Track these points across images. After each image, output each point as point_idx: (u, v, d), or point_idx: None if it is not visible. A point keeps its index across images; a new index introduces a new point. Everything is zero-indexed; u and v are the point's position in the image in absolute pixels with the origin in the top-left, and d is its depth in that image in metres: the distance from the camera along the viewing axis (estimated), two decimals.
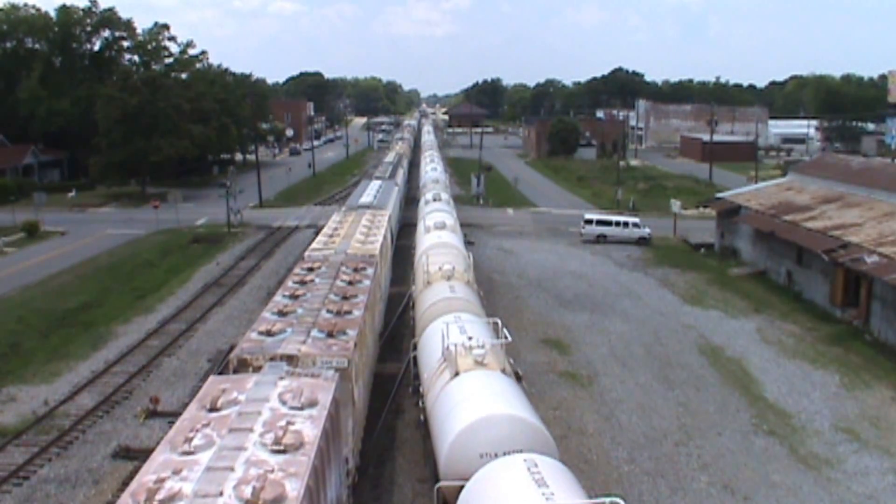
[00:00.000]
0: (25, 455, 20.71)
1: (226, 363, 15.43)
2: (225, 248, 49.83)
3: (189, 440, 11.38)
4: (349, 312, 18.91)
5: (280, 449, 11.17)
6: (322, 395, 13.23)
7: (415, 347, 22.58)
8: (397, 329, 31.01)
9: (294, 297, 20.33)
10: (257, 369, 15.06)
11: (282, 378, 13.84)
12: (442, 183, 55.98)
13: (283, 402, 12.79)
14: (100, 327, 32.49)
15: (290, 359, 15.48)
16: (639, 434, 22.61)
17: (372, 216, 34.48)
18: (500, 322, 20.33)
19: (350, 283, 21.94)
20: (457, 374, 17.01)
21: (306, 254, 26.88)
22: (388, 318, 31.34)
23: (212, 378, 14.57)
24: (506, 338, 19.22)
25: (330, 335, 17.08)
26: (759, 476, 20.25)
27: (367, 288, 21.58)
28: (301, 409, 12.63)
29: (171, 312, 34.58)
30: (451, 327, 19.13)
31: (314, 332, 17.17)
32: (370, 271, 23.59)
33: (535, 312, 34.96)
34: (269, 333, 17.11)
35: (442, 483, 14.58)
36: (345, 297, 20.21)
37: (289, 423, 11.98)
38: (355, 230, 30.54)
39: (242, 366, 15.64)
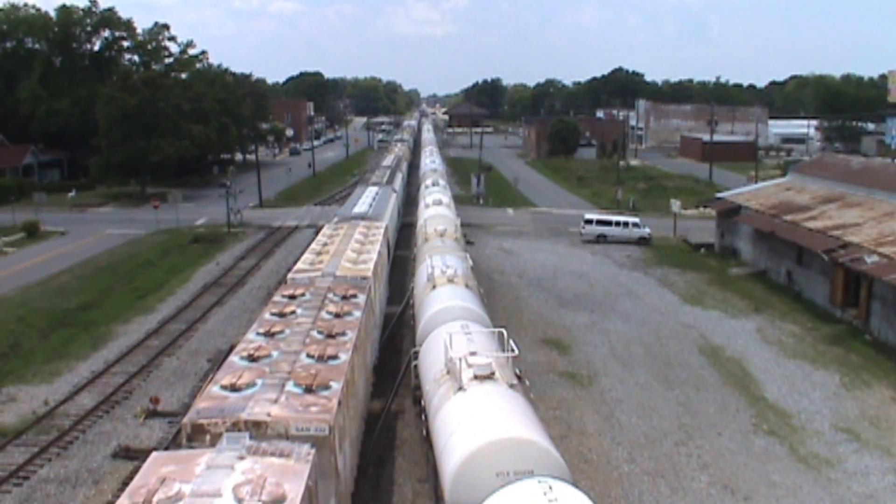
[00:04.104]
0: (25, 455, 20.71)
1: (178, 429, 13.44)
2: (225, 247, 49.84)
3: None
4: (334, 357, 16.33)
5: None
6: (291, 485, 10.68)
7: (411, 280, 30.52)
8: (396, 335, 31.03)
9: (269, 334, 17.77)
10: (216, 438, 12.46)
11: (241, 458, 11.34)
12: (440, 172, 66.10)
13: (239, 501, 10.21)
14: (100, 327, 32.51)
15: (257, 426, 12.87)
16: (639, 434, 22.61)
17: (366, 228, 32.16)
18: (468, 255, 29.11)
19: (337, 314, 19.52)
20: (434, 287, 24.04)
21: (289, 276, 24.32)
22: (387, 321, 31.29)
23: (154, 456, 11.96)
24: (471, 264, 27.59)
25: (309, 390, 14.38)
26: (759, 476, 20.26)
27: (357, 322, 19.18)
28: None
29: (171, 312, 34.59)
30: (434, 259, 26.68)
31: (289, 386, 14.47)
32: (361, 299, 21.13)
33: (536, 312, 34.96)
34: (233, 388, 14.29)
35: (417, 348, 21.34)
36: (330, 336, 17.78)
37: None
38: (346, 246, 28.08)
39: (197, 433, 12.91)
